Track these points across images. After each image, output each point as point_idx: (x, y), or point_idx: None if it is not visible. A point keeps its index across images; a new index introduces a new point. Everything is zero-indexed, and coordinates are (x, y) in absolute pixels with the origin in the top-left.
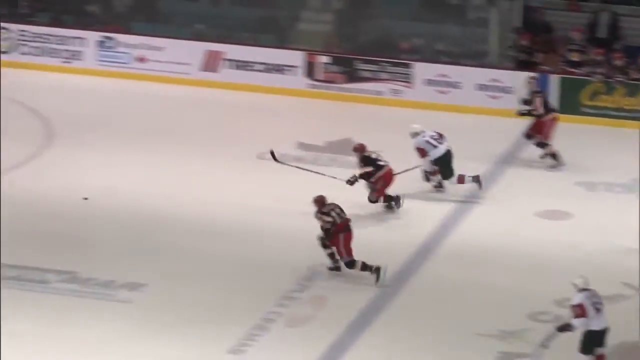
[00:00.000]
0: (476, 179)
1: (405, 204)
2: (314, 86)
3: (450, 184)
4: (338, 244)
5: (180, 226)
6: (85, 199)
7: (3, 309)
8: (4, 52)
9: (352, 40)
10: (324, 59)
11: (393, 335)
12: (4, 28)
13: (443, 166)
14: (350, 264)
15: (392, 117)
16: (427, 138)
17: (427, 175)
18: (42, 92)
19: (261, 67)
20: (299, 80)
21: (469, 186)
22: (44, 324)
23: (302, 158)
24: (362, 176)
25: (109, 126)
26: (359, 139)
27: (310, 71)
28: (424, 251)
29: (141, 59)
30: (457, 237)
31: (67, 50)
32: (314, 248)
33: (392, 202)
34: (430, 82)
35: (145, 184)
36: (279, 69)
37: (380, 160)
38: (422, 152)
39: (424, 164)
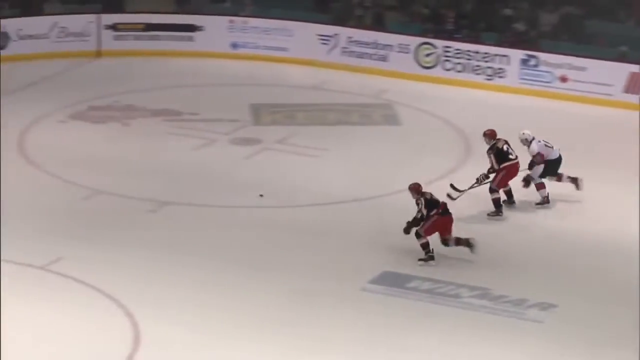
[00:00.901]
0: (574, 180)
1: None
2: None
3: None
4: (438, 226)
5: (585, 246)
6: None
7: (406, 320)
8: (428, 67)
9: None
10: None
11: None
12: (429, 44)
13: (552, 168)
14: (445, 241)
15: None
16: (542, 142)
17: (530, 181)
18: (463, 107)
19: None
20: None
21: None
22: (455, 338)
23: None
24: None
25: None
26: None
27: None
28: None
29: (563, 79)
30: None
31: (490, 68)
32: None
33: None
34: None
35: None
36: None
37: (511, 154)
38: (542, 157)
39: (535, 171)
